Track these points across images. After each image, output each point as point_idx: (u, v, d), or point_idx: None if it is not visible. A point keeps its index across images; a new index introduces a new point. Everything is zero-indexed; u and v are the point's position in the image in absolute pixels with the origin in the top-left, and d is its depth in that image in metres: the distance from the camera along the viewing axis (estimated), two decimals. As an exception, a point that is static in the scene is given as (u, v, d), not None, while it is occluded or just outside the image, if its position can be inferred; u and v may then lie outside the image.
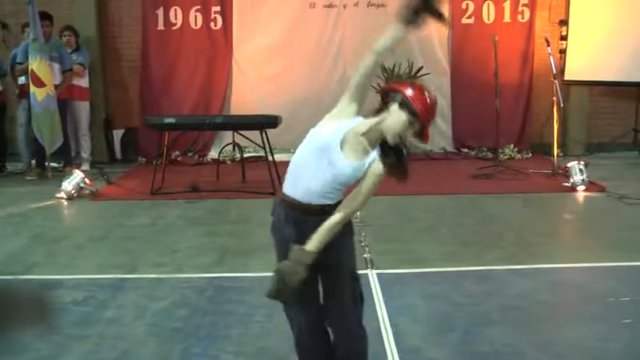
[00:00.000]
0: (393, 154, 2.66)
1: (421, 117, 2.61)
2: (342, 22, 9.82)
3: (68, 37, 9.16)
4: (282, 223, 2.78)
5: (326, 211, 2.67)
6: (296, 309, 2.88)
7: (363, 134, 2.67)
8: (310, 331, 2.91)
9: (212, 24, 9.85)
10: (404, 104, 2.62)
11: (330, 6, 9.78)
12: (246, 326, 3.93)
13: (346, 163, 2.63)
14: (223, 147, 9.07)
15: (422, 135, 2.67)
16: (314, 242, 2.61)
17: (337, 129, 2.68)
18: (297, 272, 2.58)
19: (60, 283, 4.76)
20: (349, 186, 2.72)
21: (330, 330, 2.92)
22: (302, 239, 2.65)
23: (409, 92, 2.65)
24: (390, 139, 2.63)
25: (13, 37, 9.51)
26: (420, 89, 2.69)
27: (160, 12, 9.81)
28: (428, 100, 2.65)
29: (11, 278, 4.86)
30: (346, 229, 2.78)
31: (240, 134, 8.23)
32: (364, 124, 2.69)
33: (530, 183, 7.94)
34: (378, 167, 2.65)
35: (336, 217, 2.63)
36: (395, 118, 2.63)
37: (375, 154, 2.66)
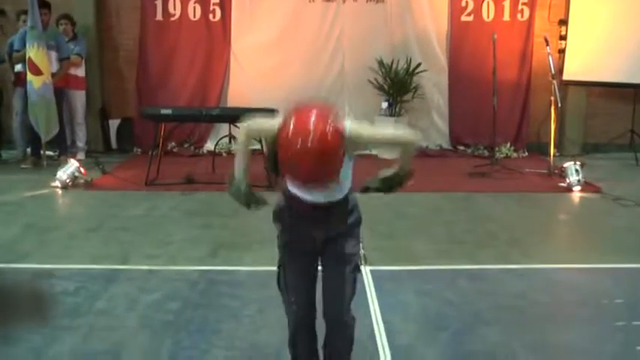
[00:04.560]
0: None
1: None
2: (341, 17, 9.77)
3: (65, 26, 9.12)
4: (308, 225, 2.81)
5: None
6: (293, 287, 2.88)
7: None
8: (304, 320, 2.89)
9: (211, 16, 9.80)
10: None
11: (329, 0, 9.74)
12: (237, 320, 3.91)
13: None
14: (219, 139, 9.03)
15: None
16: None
17: None
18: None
19: (51, 273, 4.73)
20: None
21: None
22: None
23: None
24: None
25: (10, 25, 9.46)
26: (296, 117, 2.40)
27: (159, 2, 9.76)
28: (290, 131, 2.36)
29: (3, 267, 4.85)
30: (359, 219, 2.89)
31: (237, 127, 8.17)
32: None
33: (526, 182, 7.93)
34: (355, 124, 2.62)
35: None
36: None
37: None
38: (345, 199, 2.79)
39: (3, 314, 4.02)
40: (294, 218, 2.82)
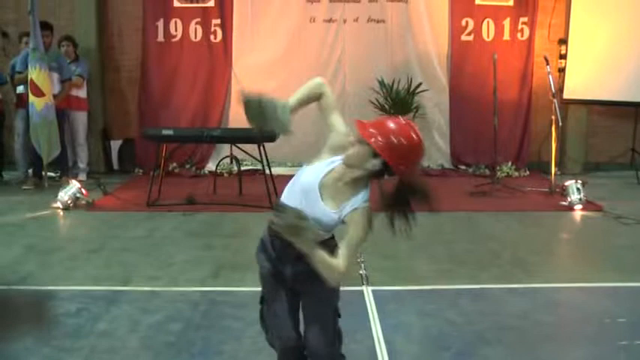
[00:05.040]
0: (393, 196, 2.61)
1: (381, 154, 2.50)
2: (341, 37, 9.83)
3: (66, 47, 9.17)
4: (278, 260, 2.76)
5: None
6: (277, 329, 2.84)
7: (340, 179, 2.60)
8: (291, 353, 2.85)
9: (212, 37, 9.87)
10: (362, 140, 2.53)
11: (330, 21, 9.80)
12: (239, 342, 3.90)
13: (326, 211, 2.60)
14: (221, 160, 9.05)
15: (390, 172, 2.56)
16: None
17: (316, 171, 2.65)
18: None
19: (53, 294, 4.73)
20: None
21: None
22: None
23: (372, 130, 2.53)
24: (349, 172, 2.57)
25: (12, 46, 9.51)
26: (389, 127, 2.55)
27: (160, 24, 9.83)
28: (393, 139, 2.50)
29: (5, 288, 4.84)
30: None
31: (238, 147, 8.22)
32: (340, 167, 2.62)
33: (528, 201, 7.93)
34: (358, 215, 2.57)
35: (329, 261, 2.48)
36: (354, 150, 2.55)
37: (355, 200, 2.59)
38: (330, 237, 2.72)
39: (4, 335, 4.03)
40: (277, 251, 2.76)
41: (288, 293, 2.80)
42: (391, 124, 2.55)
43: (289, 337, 2.82)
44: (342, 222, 2.60)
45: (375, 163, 2.52)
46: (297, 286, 2.77)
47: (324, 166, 2.64)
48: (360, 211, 2.57)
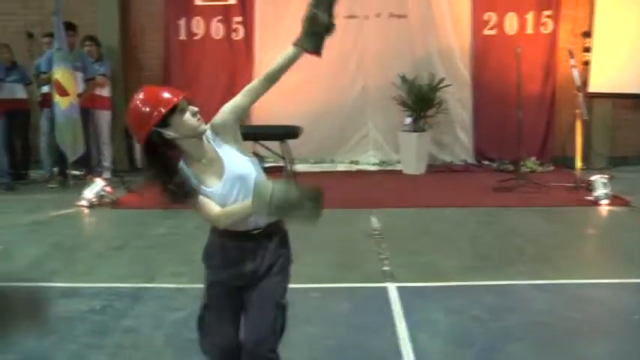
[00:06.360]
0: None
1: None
2: (363, 33, 9.80)
3: (90, 47, 9.23)
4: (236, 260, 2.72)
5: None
6: (215, 332, 2.79)
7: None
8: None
9: (234, 34, 9.90)
10: None
11: (351, 17, 9.76)
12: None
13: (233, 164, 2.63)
14: (243, 157, 9.06)
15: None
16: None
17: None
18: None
19: (79, 292, 4.77)
20: None
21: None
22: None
23: None
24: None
25: (37, 47, 9.61)
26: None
27: (182, 22, 9.88)
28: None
29: (31, 285, 4.89)
30: (288, 256, 2.76)
31: (261, 144, 8.23)
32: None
33: (552, 196, 7.84)
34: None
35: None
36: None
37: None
38: (275, 227, 2.70)
39: (32, 332, 4.07)
40: (225, 254, 2.76)
41: (235, 303, 2.76)
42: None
43: (227, 342, 2.76)
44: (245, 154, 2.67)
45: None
46: (252, 282, 2.70)
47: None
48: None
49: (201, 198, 2.59)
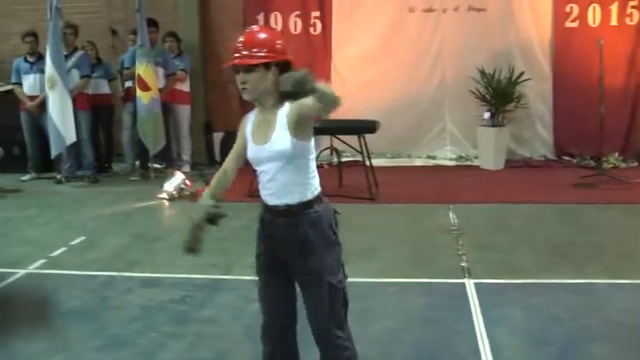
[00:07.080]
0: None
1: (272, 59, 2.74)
2: (441, 27, 9.70)
3: (170, 43, 9.45)
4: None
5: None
6: (263, 299, 2.91)
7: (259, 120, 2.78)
8: (274, 333, 2.91)
9: (311, 29, 9.96)
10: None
11: (429, 10, 9.68)
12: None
13: (276, 141, 2.68)
14: (321, 151, 9.11)
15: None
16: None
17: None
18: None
19: (159, 282, 4.92)
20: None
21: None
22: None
23: None
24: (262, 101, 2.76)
25: (121, 44, 9.91)
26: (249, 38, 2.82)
27: (261, 17, 9.99)
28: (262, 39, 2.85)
29: (114, 274, 5.07)
30: (316, 234, 2.77)
31: (338, 138, 8.27)
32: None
33: (636, 193, 7.60)
34: (293, 104, 2.63)
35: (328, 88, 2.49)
36: (249, 84, 2.71)
37: (280, 115, 2.68)
38: (306, 206, 2.75)
39: (115, 319, 4.22)
40: (263, 227, 2.87)
41: (277, 275, 2.83)
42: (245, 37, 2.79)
43: (272, 314, 2.87)
44: (296, 137, 2.64)
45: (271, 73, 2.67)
46: (292, 261, 2.76)
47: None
48: (292, 105, 2.63)
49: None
